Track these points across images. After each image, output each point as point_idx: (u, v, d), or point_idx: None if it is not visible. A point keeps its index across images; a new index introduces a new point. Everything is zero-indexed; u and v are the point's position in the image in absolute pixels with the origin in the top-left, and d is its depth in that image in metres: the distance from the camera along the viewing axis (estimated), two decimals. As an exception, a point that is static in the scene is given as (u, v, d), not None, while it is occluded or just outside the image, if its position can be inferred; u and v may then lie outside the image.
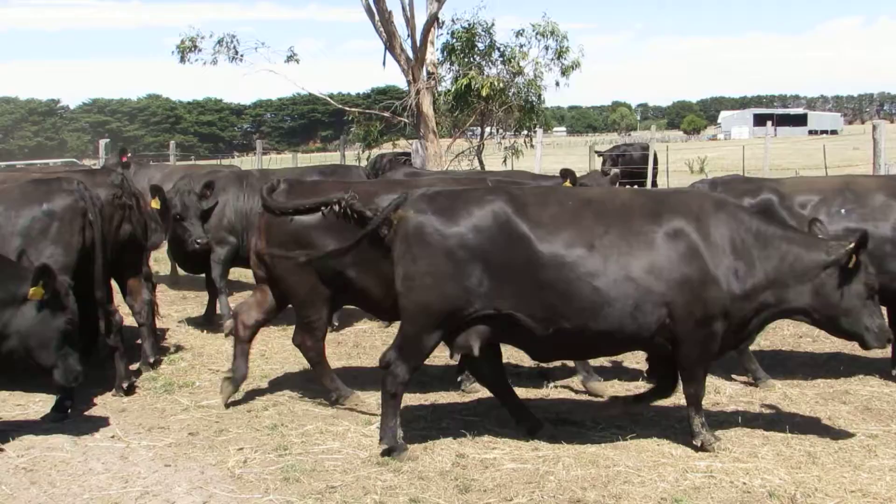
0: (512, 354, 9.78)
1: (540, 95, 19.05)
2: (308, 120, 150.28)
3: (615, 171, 18.45)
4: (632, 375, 8.93)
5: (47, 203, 7.78)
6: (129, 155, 14.19)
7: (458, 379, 8.60)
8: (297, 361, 9.62)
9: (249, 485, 6.22)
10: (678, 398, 8.13)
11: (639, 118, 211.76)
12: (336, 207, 7.41)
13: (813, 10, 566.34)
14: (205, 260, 11.17)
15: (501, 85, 18.05)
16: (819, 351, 9.79)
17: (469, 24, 18.36)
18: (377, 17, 17.65)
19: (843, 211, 8.31)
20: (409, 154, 18.38)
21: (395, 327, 11.42)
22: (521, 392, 8.34)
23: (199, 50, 18.83)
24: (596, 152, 29.10)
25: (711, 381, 8.63)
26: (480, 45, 18.52)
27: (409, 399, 8.24)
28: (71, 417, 7.63)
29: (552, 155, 55.29)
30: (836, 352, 9.65)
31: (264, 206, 7.69)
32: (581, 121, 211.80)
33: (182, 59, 18.85)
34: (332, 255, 7.33)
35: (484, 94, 17.58)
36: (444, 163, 18.16)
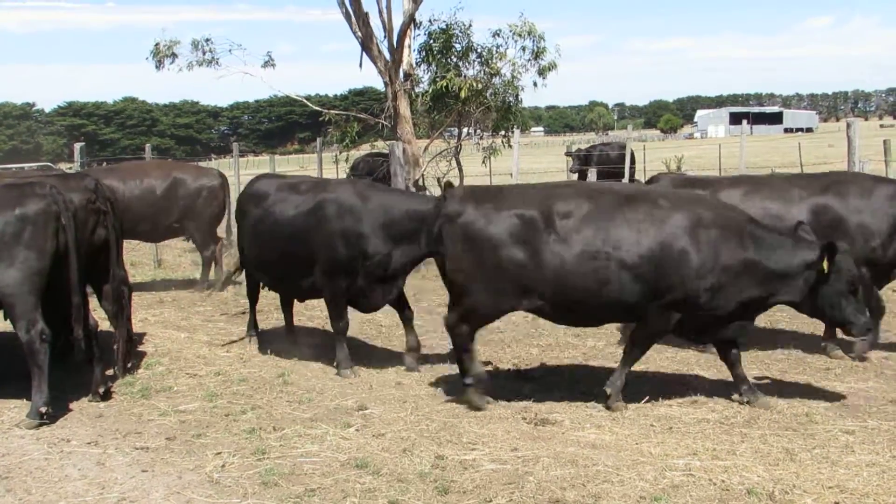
0: (491, 355, 9.80)
1: (517, 96, 18.99)
2: (285, 122, 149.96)
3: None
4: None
5: (20, 207, 7.70)
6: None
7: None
8: (274, 365, 9.59)
9: (227, 489, 6.18)
10: (656, 394, 8.18)
11: (616, 117, 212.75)
12: None
13: (788, 9, 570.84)
14: None
15: (479, 86, 18.00)
16: (797, 348, 9.83)
17: (446, 25, 18.27)
18: (353, 19, 17.60)
19: None
20: (386, 155, 18.33)
21: (374, 322, 11.42)
22: (501, 392, 8.36)
23: (177, 56, 18.68)
24: (566, 154, 29.16)
25: (690, 380, 8.69)
26: (458, 46, 18.42)
27: (388, 400, 8.24)
28: (47, 423, 7.56)
29: (530, 155, 55.43)
30: (813, 349, 9.70)
31: None
32: (558, 121, 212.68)
33: (158, 66, 18.70)
34: None
35: (462, 95, 17.52)
36: (423, 164, 18.13)
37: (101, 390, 8.39)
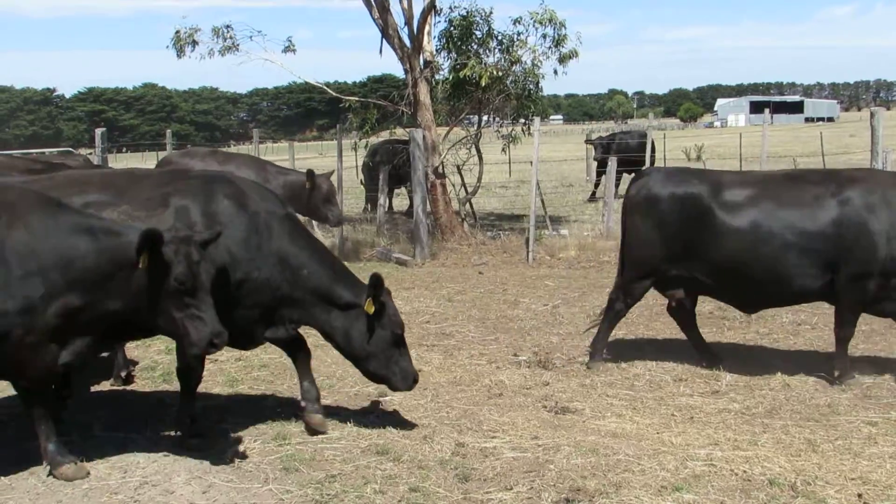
0: (511, 343, 9.80)
1: (538, 83, 18.92)
2: (304, 109, 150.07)
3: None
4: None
5: None
6: None
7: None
8: (295, 351, 9.60)
9: (249, 474, 6.20)
10: (677, 384, 8.17)
11: (635, 106, 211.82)
12: None
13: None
14: None
15: (500, 73, 17.93)
16: (818, 339, 9.78)
17: (467, 12, 18.21)
18: (374, 6, 17.59)
19: None
20: (405, 142, 18.33)
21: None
22: (521, 381, 8.36)
23: (198, 44, 18.70)
24: (586, 141, 29.02)
25: (711, 370, 8.64)
26: (478, 33, 18.35)
27: (409, 388, 8.25)
28: (68, 407, 7.60)
29: (549, 143, 55.27)
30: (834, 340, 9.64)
31: None
32: (577, 109, 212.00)
33: (179, 55, 18.73)
34: None
35: (483, 83, 17.48)
36: (442, 151, 18.11)
37: (123, 374, 8.43)
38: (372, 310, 6.72)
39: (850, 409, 7.41)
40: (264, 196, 7.02)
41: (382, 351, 6.86)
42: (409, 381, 6.98)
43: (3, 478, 6.18)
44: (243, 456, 6.52)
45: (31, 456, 6.56)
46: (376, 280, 6.70)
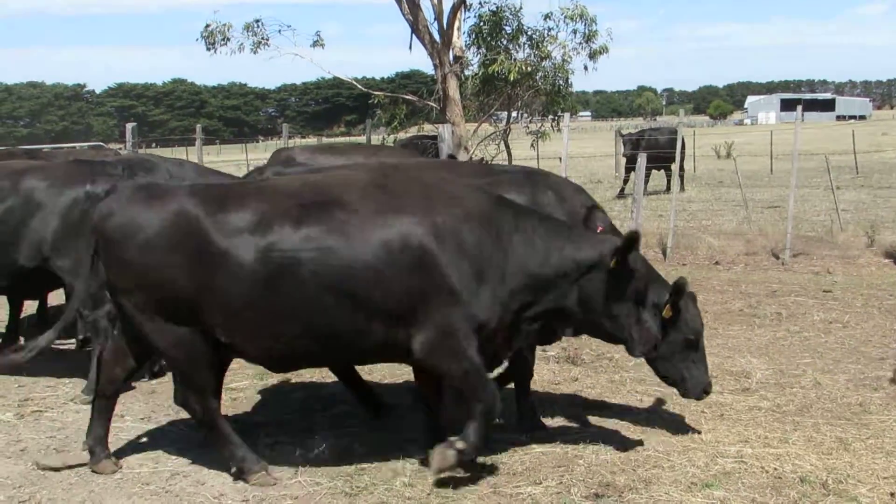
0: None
1: (567, 79, 18.88)
2: (332, 104, 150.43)
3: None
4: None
5: (91, 185, 7.73)
6: None
7: None
8: (324, 344, 9.63)
9: (278, 467, 6.22)
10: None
11: (664, 103, 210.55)
12: None
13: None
14: None
15: (529, 69, 17.91)
16: (850, 337, 9.69)
17: (497, 8, 18.22)
18: (404, 1, 17.61)
19: None
20: (432, 137, 18.32)
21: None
22: (550, 376, 8.34)
23: (228, 40, 18.84)
24: (619, 133, 28.88)
25: (741, 367, 8.59)
26: (508, 29, 18.34)
27: (437, 382, 8.25)
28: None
29: (578, 140, 55.10)
30: (866, 338, 9.56)
31: None
32: (606, 105, 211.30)
33: (209, 49, 18.87)
34: None
35: (512, 78, 17.46)
36: (471, 147, 18.08)
37: (154, 367, 8.49)
38: (669, 315, 6.41)
39: (882, 408, 7.33)
40: (578, 189, 7.18)
41: (674, 354, 6.49)
42: (697, 389, 6.54)
43: (37, 469, 6.25)
44: (273, 448, 6.55)
45: (67, 445, 6.65)
46: (678, 288, 6.31)
